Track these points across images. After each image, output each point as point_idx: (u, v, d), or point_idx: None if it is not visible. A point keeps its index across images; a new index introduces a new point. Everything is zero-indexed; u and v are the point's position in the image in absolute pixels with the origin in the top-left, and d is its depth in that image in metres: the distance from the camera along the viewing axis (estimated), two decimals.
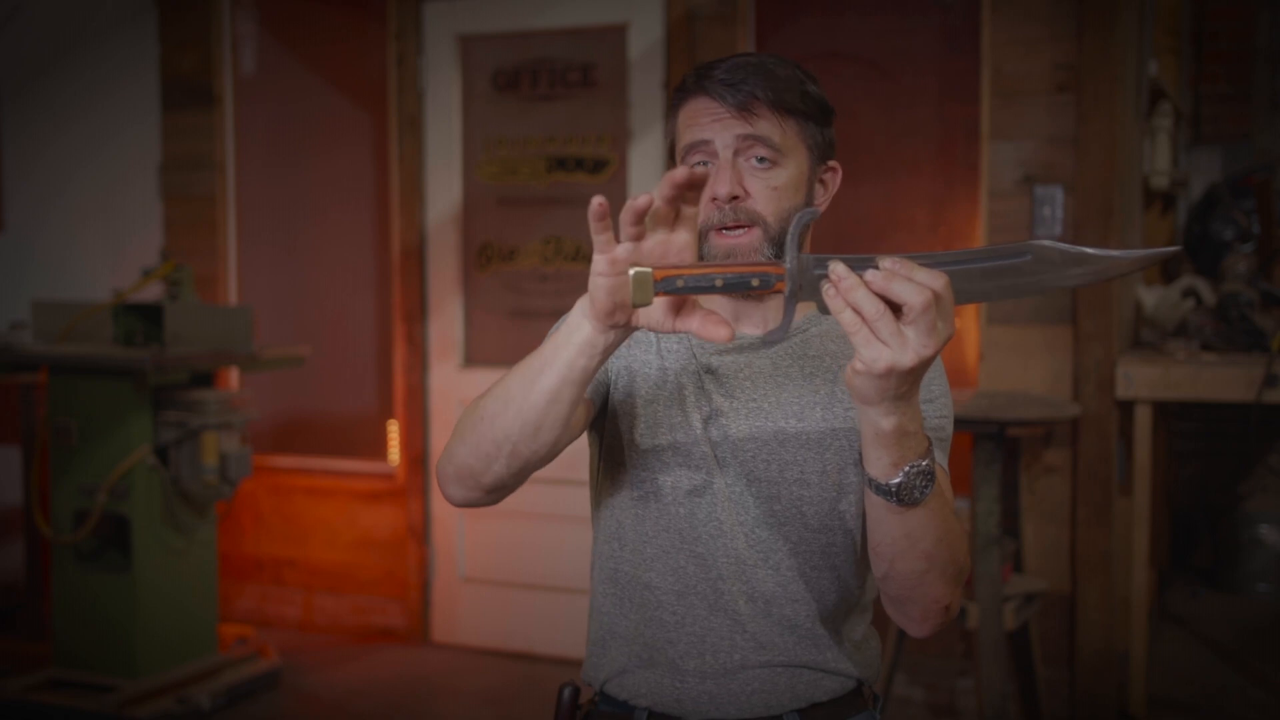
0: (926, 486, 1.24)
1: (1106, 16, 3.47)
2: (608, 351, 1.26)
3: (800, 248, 1.19)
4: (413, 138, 4.35)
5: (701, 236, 1.46)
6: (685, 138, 1.47)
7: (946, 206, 3.88)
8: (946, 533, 1.31)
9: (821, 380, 1.49)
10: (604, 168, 4.17)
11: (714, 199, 1.44)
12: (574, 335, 1.26)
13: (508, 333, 4.32)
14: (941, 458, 1.45)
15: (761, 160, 1.44)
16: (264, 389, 4.58)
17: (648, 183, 4.06)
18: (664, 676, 1.49)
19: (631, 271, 1.18)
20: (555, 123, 4.23)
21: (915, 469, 1.23)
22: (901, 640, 3.39)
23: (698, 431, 1.47)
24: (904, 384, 1.15)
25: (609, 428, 1.52)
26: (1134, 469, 3.55)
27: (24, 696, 3.60)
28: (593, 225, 1.18)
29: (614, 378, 1.52)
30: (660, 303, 1.22)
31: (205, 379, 3.93)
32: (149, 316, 3.79)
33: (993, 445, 3.18)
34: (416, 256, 4.38)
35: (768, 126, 1.44)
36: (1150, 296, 4.03)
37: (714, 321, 1.22)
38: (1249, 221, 4.47)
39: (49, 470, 3.78)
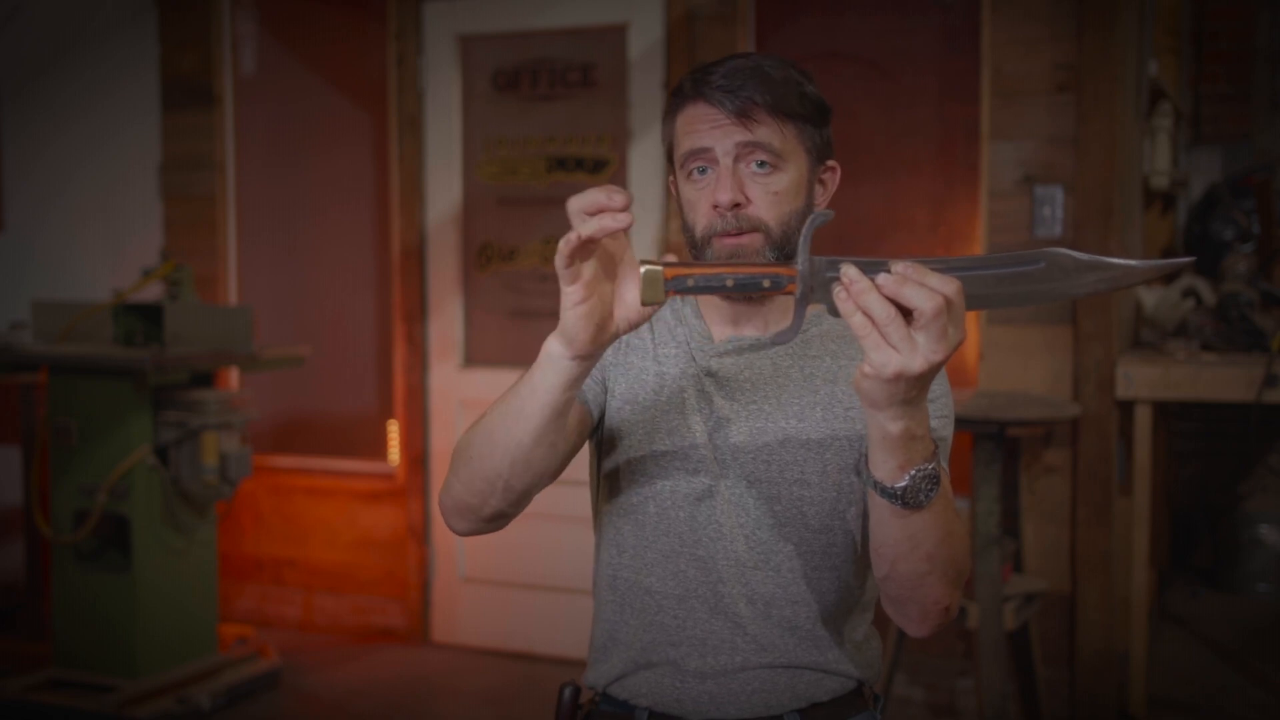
0: (931, 490, 1.24)
1: (1106, 16, 3.47)
2: (585, 375, 1.27)
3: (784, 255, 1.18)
4: (413, 138, 4.35)
5: (704, 243, 1.46)
6: (684, 145, 1.47)
7: (946, 206, 3.88)
8: (948, 535, 1.31)
9: (822, 381, 1.49)
10: (604, 168, 4.17)
11: (715, 206, 1.44)
12: (550, 374, 1.26)
13: (508, 333, 4.32)
14: (942, 458, 1.45)
15: (762, 165, 1.44)
16: (264, 389, 4.58)
17: (648, 183, 4.07)
18: (665, 677, 1.49)
19: (643, 269, 1.16)
20: (555, 123, 4.23)
21: (921, 473, 1.22)
22: (901, 640, 3.39)
23: (699, 436, 1.47)
24: (913, 389, 1.15)
25: (607, 435, 1.52)
26: (1134, 469, 3.55)
27: (24, 696, 3.60)
28: (563, 263, 1.17)
29: (611, 385, 1.52)
30: (624, 299, 1.21)
31: (205, 379, 3.93)
32: (149, 316, 3.79)
33: (993, 445, 3.18)
34: (416, 256, 4.38)
35: (767, 132, 1.43)
36: (1150, 296, 4.03)
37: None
38: (1249, 221, 4.47)
39: (49, 470, 3.78)
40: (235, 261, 4.69)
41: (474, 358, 4.38)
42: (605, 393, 1.51)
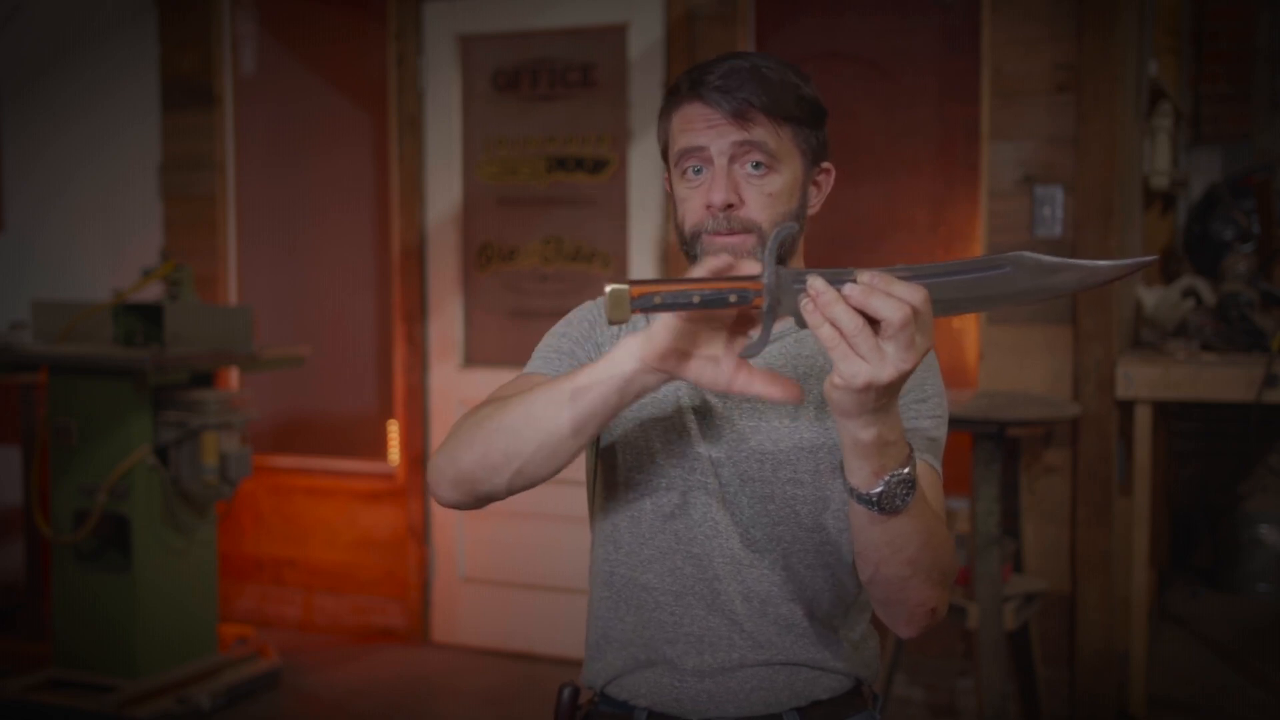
0: (908, 494, 1.24)
1: (1106, 16, 3.47)
2: (641, 394, 1.27)
3: (778, 261, 1.17)
4: (413, 138, 4.35)
5: (693, 239, 1.46)
6: (679, 143, 1.47)
7: (946, 206, 3.88)
8: (930, 538, 1.31)
9: (814, 380, 1.49)
10: (604, 168, 4.17)
11: (709, 206, 1.44)
12: (615, 369, 1.26)
13: (508, 333, 4.32)
14: (933, 459, 1.45)
15: (757, 166, 1.44)
16: (264, 389, 4.58)
17: (648, 183, 4.06)
18: (663, 676, 1.49)
19: (608, 288, 1.16)
20: (555, 123, 4.23)
21: (896, 478, 1.22)
22: (901, 640, 3.39)
23: (693, 433, 1.47)
24: (883, 397, 1.15)
25: (605, 434, 1.52)
26: (1134, 469, 3.55)
27: (24, 696, 3.60)
28: (703, 272, 1.19)
29: None
30: (723, 359, 1.21)
31: (205, 379, 3.93)
32: (149, 316, 3.79)
33: (993, 445, 3.18)
34: (416, 256, 4.38)
35: (763, 133, 1.43)
36: (1150, 296, 4.03)
37: (781, 382, 1.22)
38: (1249, 221, 4.47)
39: (49, 470, 3.78)
40: (235, 261, 4.70)
41: (474, 358, 4.38)
42: None
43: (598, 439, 1.53)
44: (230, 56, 4.67)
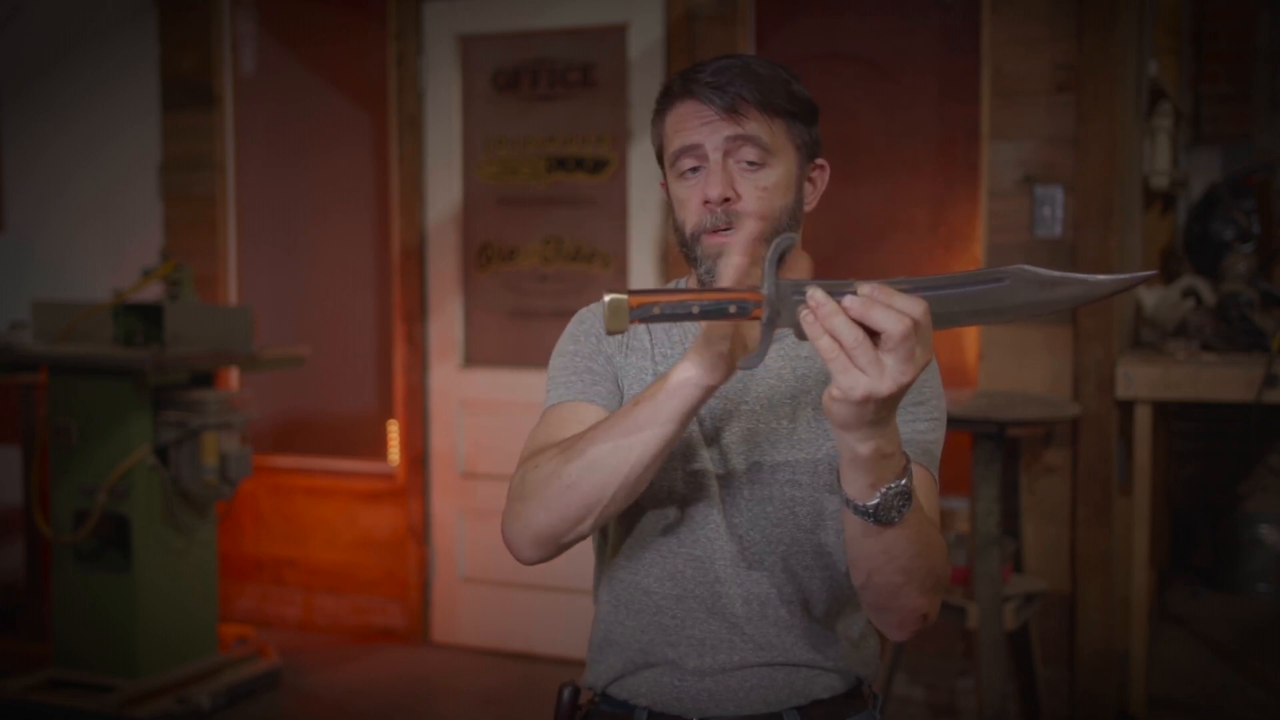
0: (904, 506, 1.23)
1: (1106, 16, 3.47)
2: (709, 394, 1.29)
3: (778, 272, 1.17)
4: (413, 138, 4.35)
5: (694, 240, 1.46)
6: (674, 143, 1.47)
7: (946, 206, 3.88)
8: (924, 548, 1.31)
9: (814, 381, 1.49)
10: (604, 168, 4.17)
11: (706, 202, 1.44)
12: (679, 402, 1.28)
13: (508, 333, 4.32)
14: (929, 463, 1.45)
15: (751, 163, 1.44)
16: (264, 389, 4.58)
17: (647, 183, 4.06)
18: (664, 675, 1.49)
19: (606, 298, 1.15)
20: (555, 123, 4.24)
21: (893, 490, 1.22)
22: (897, 641, 3.39)
23: (694, 436, 1.47)
24: (881, 410, 1.14)
25: None
26: (1134, 469, 3.55)
27: (24, 696, 3.60)
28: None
29: (621, 387, 1.52)
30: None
31: (205, 379, 3.93)
32: (149, 316, 3.79)
33: (993, 445, 3.18)
34: (416, 256, 4.38)
35: (756, 127, 1.44)
36: (1150, 296, 4.03)
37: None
38: (1249, 221, 4.47)
39: (49, 470, 3.78)
40: (235, 261, 4.70)
41: (474, 358, 4.38)
42: (621, 395, 1.51)
43: None
44: (230, 56, 4.67)
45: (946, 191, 3.88)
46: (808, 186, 1.52)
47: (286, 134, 4.69)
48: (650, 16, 4.05)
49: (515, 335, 4.29)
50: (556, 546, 1.39)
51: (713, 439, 1.47)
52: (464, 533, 4.35)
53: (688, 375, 1.26)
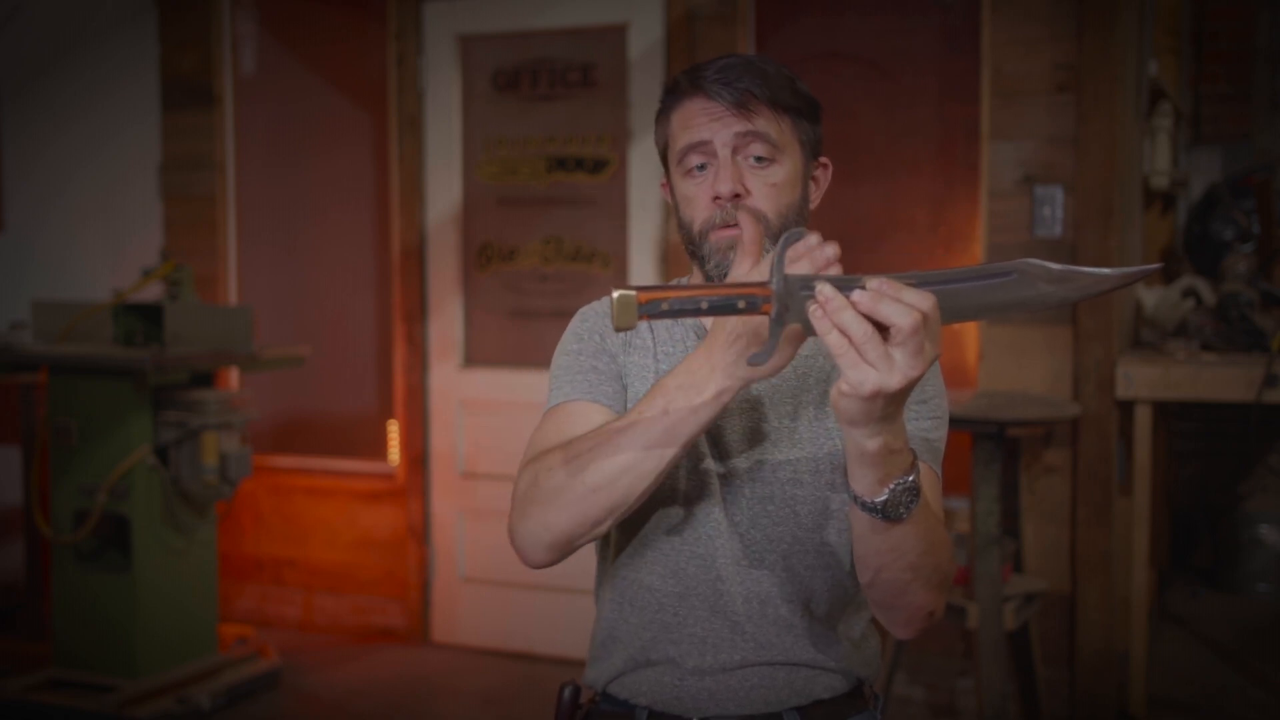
0: (912, 502, 1.23)
1: (1106, 16, 3.47)
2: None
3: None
4: (413, 138, 4.35)
5: (702, 236, 1.46)
6: (682, 140, 1.47)
7: (946, 206, 3.88)
8: (931, 545, 1.31)
9: (815, 379, 1.49)
10: (604, 168, 4.17)
11: (716, 198, 1.44)
12: (704, 391, 1.26)
13: (508, 333, 4.31)
14: (933, 460, 1.45)
15: (759, 159, 1.45)
16: (264, 389, 4.58)
17: (648, 183, 4.06)
18: (664, 675, 1.49)
19: (615, 294, 1.14)
20: (555, 123, 4.23)
21: (901, 486, 1.21)
22: (901, 640, 3.39)
23: None
24: (890, 405, 1.14)
25: None
26: (1134, 469, 3.55)
27: (24, 696, 3.60)
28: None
29: (626, 383, 1.52)
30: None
31: (205, 379, 3.93)
32: (149, 316, 3.79)
33: (993, 445, 3.18)
34: (416, 256, 4.38)
35: (765, 123, 1.44)
36: (1150, 296, 4.03)
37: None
38: (1249, 221, 4.47)
39: (49, 470, 3.78)
40: (235, 261, 4.70)
41: (474, 358, 4.38)
42: (626, 393, 1.51)
43: None
44: (230, 56, 4.67)
45: (946, 191, 3.88)
46: (811, 185, 1.52)
47: (286, 134, 4.69)
48: (650, 16, 4.05)
49: (515, 335, 4.29)
50: (571, 549, 1.39)
51: (715, 437, 1.47)
52: (464, 533, 4.35)
53: (725, 384, 1.26)
